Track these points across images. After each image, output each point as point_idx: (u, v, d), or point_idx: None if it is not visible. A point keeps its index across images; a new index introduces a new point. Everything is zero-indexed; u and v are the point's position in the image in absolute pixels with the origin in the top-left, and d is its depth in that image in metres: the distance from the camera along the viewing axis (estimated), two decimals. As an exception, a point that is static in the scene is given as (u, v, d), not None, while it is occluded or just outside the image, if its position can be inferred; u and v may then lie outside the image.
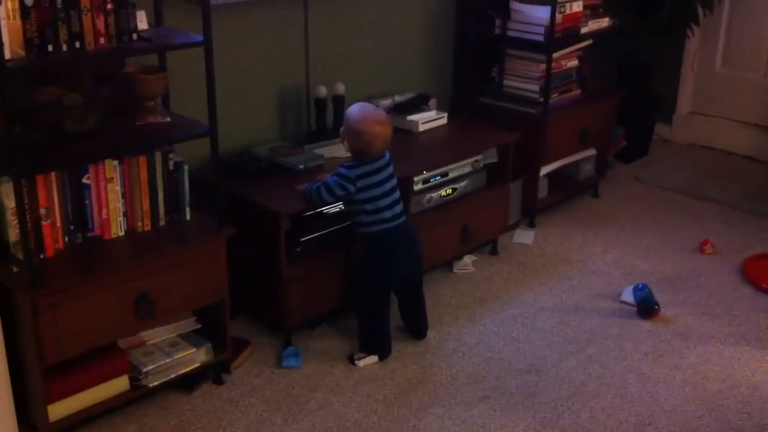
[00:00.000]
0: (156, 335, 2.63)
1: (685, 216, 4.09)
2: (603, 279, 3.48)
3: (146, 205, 2.58)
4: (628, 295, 3.28)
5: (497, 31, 3.86)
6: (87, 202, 2.46)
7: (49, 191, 2.36)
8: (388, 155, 2.87)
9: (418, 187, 3.22)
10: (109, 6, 2.31)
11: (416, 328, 3.05)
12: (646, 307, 3.20)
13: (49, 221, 2.38)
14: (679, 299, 3.33)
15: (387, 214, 2.84)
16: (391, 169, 2.87)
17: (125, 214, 2.55)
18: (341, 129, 2.86)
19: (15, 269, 2.30)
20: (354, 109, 2.86)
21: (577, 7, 3.81)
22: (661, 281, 3.43)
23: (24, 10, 2.17)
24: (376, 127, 2.78)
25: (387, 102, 3.58)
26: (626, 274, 3.51)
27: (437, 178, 3.30)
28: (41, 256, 2.37)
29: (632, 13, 4.19)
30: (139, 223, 2.58)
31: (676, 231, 3.92)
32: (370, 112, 2.83)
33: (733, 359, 2.96)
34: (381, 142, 2.79)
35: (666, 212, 4.13)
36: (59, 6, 2.22)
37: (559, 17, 3.69)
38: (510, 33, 3.82)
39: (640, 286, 3.25)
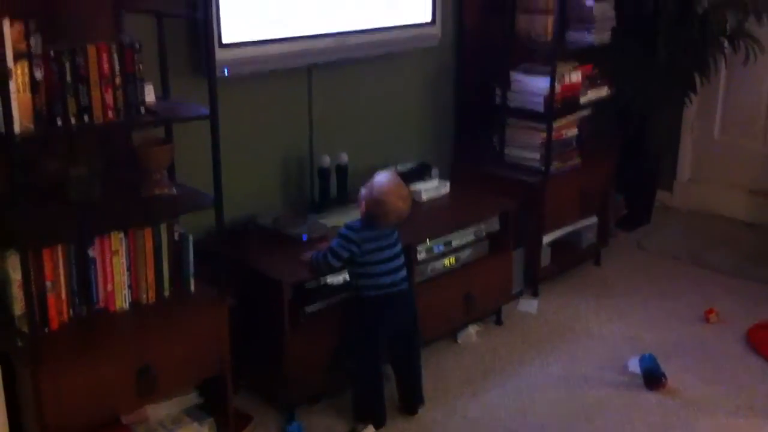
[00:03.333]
0: (159, 410, 2.59)
1: (689, 284, 4.07)
2: (608, 349, 3.45)
3: (151, 277, 2.57)
4: (634, 366, 3.25)
5: (497, 100, 3.90)
6: (92, 274, 2.45)
7: (55, 264, 2.36)
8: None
9: (421, 256, 3.21)
10: (117, 80, 2.33)
11: (407, 403, 2.98)
12: (653, 378, 3.16)
13: (54, 294, 2.36)
14: (686, 369, 3.29)
15: (386, 280, 2.82)
16: (396, 234, 2.87)
17: (130, 287, 2.54)
18: (362, 192, 2.84)
19: (20, 343, 2.28)
20: (382, 178, 2.84)
21: (575, 77, 3.87)
22: (666, 351, 3.39)
23: (34, 84, 2.19)
24: (399, 203, 2.79)
25: (390, 171, 3.60)
26: (631, 344, 3.47)
27: (440, 247, 3.29)
28: (45, 330, 2.35)
29: (630, 80, 4.25)
30: (144, 295, 2.57)
31: (679, 299, 3.91)
32: (398, 187, 2.83)
33: (741, 430, 2.92)
34: (397, 217, 2.80)
35: (669, 280, 4.12)
36: (68, 80, 2.24)
37: (558, 87, 3.74)
38: (510, 103, 3.87)
39: (647, 356, 3.22)
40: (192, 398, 2.67)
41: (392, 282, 2.83)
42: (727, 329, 3.61)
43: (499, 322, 3.65)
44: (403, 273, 2.88)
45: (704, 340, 3.53)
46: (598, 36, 3.87)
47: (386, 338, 2.88)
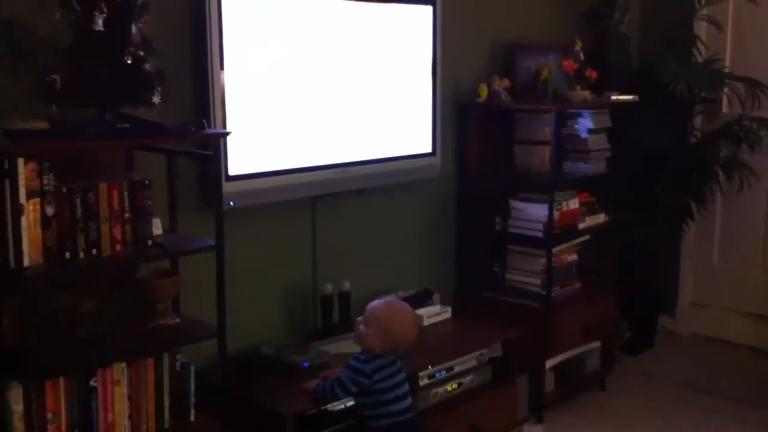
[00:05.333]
0: None
1: (697, 412, 4.01)
2: (615, 480, 3.39)
3: (152, 407, 2.57)
4: (640, 497, 3.19)
5: (498, 227, 3.99)
6: (93, 405, 2.45)
7: (57, 396, 2.37)
8: None
9: (423, 382, 3.22)
10: (126, 215, 2.42)
11: None
12: None
13: (54, 426, 2.37)
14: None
15: (398, 407, 2.79)
16: (399, 362, 2.86)
17: (130, 417, 2.54)
18: (362, 326, 2.75)
19: (18, 478, 2.28)
20: (388, 307, 2.81)
21: (573, 204, 3.96)
22: (674, 481, 3.34)
23: (45, 220, 2.27)
24: (412, 332, 2.78)
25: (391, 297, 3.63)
26: (638, 474, 3.42)
27: (442, 372, 3.30)
28: (44, 463, 2.35)
29: (628, 207, 4.34)
30: (144, 426, 2.57)
31: (688, 428, 3.84)
32: (408, 314, 2.82)
33: None
34: (408, 344, 2.79)
35: (676, 408, 4.05)
36: (79, 216, 2.33)
37: (556, 214, 3.83)
38: (510, 229, 3.95)
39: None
40: None
41: (403, 408, 2.80)
42: (736, 458, 3.56)
43: (503, 450, 3.61)
44: (410, 401, 2.86)
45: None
46: (593, 166, 4.00)
47: None
